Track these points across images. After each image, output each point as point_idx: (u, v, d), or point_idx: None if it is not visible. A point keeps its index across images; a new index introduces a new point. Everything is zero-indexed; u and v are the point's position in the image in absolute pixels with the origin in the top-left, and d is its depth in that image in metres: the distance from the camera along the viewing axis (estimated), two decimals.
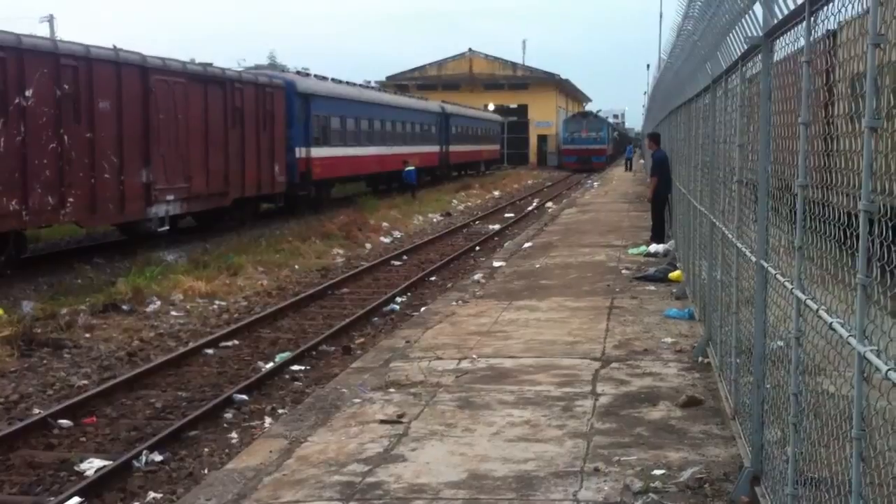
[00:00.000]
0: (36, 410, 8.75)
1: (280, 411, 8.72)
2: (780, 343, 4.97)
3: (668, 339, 9.56)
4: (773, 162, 5.17)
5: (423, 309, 12.85)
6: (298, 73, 32.08)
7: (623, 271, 14.58)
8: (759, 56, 5.39)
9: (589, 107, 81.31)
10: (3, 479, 7.10)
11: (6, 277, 15.58)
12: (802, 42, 4.18)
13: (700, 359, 8.60)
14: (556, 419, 6.89)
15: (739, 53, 6.31)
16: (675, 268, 13.95)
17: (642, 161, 52.32)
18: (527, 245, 18.98)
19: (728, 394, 6.96)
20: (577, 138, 67.80)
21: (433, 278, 17.23)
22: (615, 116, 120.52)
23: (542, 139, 78.07)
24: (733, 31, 6.54)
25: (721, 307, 7.49)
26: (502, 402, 7.35)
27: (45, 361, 10.66)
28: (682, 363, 8.58)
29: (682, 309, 11.03)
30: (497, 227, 27.12)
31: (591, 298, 12.20)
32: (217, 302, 14.49)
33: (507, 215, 31.47)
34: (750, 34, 5.68)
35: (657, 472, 5.74)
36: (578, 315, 11.04)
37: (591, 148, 67.76)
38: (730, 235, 6.78)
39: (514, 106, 77.44)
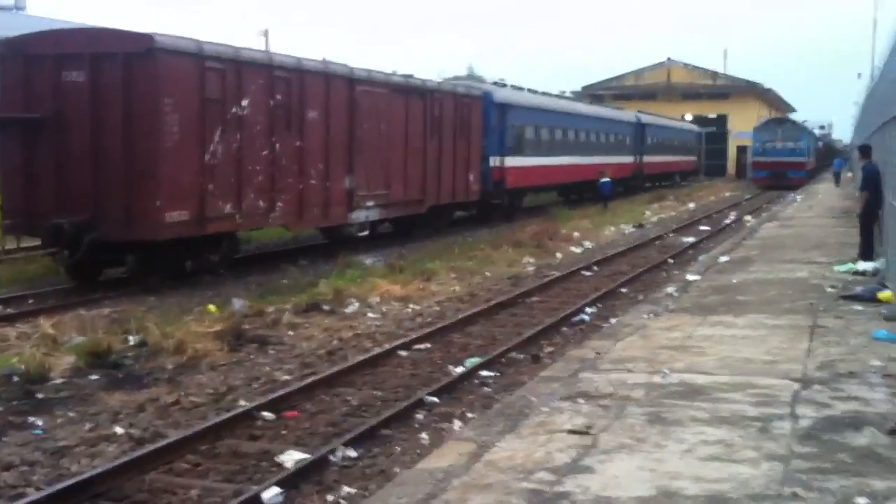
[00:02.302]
0: (242, 402, 9.28)
1: (469, 415, 8.86)
2: None
3: (876, 363, 9.01)
4: None
5: (613, 321, 12.71)
6: (495, 83, 32.52)
7: (827, 289, 13.86)
8: None
9: (793, 117, 75.85)
10: (209, 466, 7.55)
11: (219, 276, 16.63)
12: None
13: None
14: (751, 440, 6.65)
15: None
16: (886, 287, 13.13)
17: (850, 174, 49.39)
18: (723, 259, 18.39)
19: None
20: (771, 149, 56.15)
21: (624, 290, 17.00)
22: (821, 127, 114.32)
23: (742, 150, 75.11)
24: None
25: None
26: (695, 420, 7.16)
27: (251, 356, 11.30)
28: (892, 388, 8.07)
29: (893, 331, 10.38)
30: (692, 239, 26.42)
31: (791, 316, 11.68)
32: (411, 305, 14.89)
33: (702, 228, 30.59)
34: None
35: (860, 500, 5.44)
36: (777, 333, 10.60)
37: (786, 161, 55.76)
38: None
39: (712, 116, 75.29)
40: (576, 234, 26.00)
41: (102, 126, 15.22)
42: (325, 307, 14.13)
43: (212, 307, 13.60)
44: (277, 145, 17.89)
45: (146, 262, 15.99)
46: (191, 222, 15.73)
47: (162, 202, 15.12)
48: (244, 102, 16.96)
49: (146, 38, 15.11)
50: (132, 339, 11.58)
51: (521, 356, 11.53)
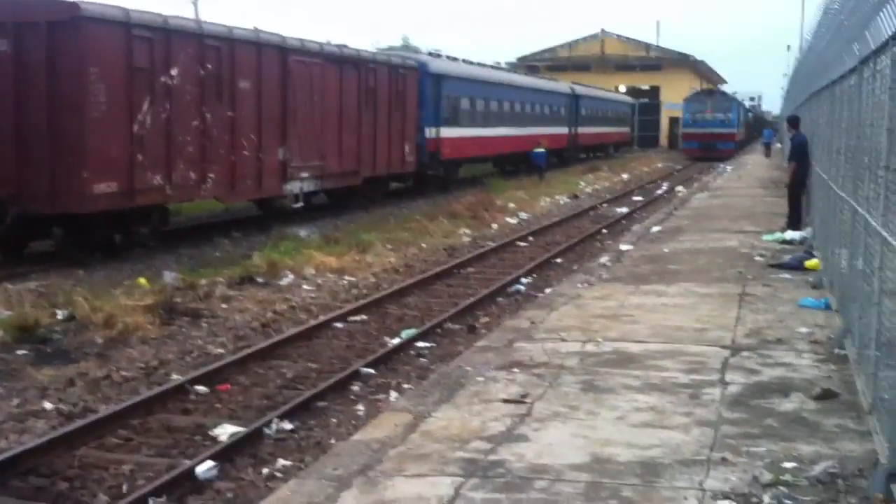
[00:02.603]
0: (174, 376, 9.15)
1: (405, 386, 8.86)
2: None
3: (803, 329, 9.24)
4: None
5: (548, 291, 12.81)
6: (430, 54, 32.37)
7: (756, 258, 14.16)
8: None
9: (724, 89, 76.69)
10: (141, 441, 7.45)
11: (150, 249, 16.33)
12: None
13: (836, 350, 8.28)
14: (682, 406, 6.77)
15: (891, 32, 6.01)
16: (812, 256, 13.46)
17: (779, 145, 50.26)
18: (655, 229, 18.64)
19: (865, 387, 6.69)
20: (700, 120, 55.79)
21: (559, 260, 17.14)
22: (752, 99, 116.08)
23: (674, 121, 75.88)
24: (884, 9, 6.22)
25: (861, 297, 7.19)
26: (627, 387, 7.26)
27: (183, 330, 11.14)
28: (817, 354, 8.29)
29: (819, 299, 10.64)
30: (625, 210, 26.74)
31: (721, 285, 11.91)
32: (347, 277, 14.81)
33: (635, 199, 30.98)
34: None
35: (788, 464, 5.57)
36: (708, 301, 10.79)
37: (716, 132, 55.50)
38: (874, 223, 6.49)
39: (645, 87, 76.00)
40: (511, 205, 26.10)
41: (27, 97, 14.74)
42: (259, 280, 13.97)
43: (142, 280, 13.35)
44: (208, 116, 17.58)
45: (74, 235, 15.62)
46: (119, 194, 15.40)
47: (89, 174, 14.75)
48: (173, 72, 16.60)
49: (71, 6, 14.65)
50: (60, 314, 11.32)
51: (457, 327, 11.56)
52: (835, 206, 10.37)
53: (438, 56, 32.33)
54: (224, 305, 12.43)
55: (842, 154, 9.93)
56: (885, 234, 5.96)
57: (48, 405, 8.20)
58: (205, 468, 6.64)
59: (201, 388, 8.67)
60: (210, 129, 17.63)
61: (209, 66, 17.57)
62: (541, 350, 8.45)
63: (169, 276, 13.62)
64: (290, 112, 20.35)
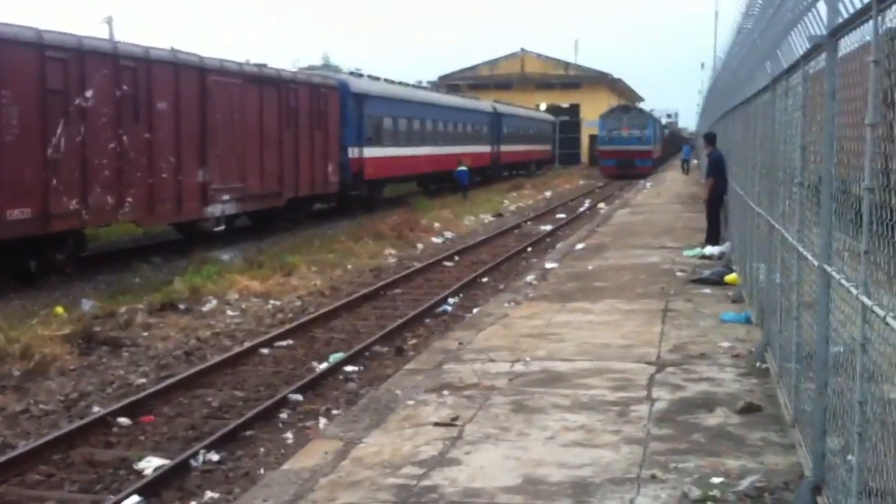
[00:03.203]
0: (95, 408, 8.90)
1: (334, 412, 8.76)
2: (842, 349, 4.86)
3: (725, 344, 9.42)
4: (836, 164, 5.06)
5: (475, 310, 12.83)
6: (352, 73, 32.29)
7: (678, 274, 14.42)
8: (823, 55, 5.28)
9: (641, 106, 78.02)
10: (63, 476, 7.22)
11: (66, 276, 15.91)
12: (869, 40, 4.08)
13: (758, 364, 8.45)
14: (611, 424, 6.82)
15: (802, 52, 6.19)
16: (732, 270, 13.75)
17: (696, 161, 51.37)
18: (579, 246, 18.86)
19: (787, 400, 6.84)
20: (617, 137, 54.81)
21: (485, 279, 17.20)
22: (668, 116, 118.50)
23: (594, 139, 77.14)
24: (795, 29, 6.41)
25: (780, 311, 7.36)
26: (557, 406, 7.30)
27: (104, 360, 10.85)
28: (740, 368, 8.45)
29: (739, 312, 10.87)
30: (549, 227, 27.00)
31: (645, 301, 12.08)
32: (272, 301, 14.62)
33: (558, 216, 31.31)
34: (813, 32, 5.57)
35: (715, 479, 5.65)
36: (632, 318, 10.93)
37: (633, 149, 54.51)
38: (790, 238, 6.65)
39: (566, 105, 77.08)
40: (436, 224, 26.14)
41: None
42: (182, 306, 13.70)
43: (59, 309, 12.97)
44: (125, 138, 17.25)
45: None
46: (33, 220, 14.98)
47: (1, 199, 14.33)
48: (88, 94, 16.25)
49: None
50: None
51: (385, 349, 11.49)
52: (752, 222, 10.61)
53: (360, 75, 32.28)
54: (145, 333, 12.14)
55: (757, 170, 10.17)
56: (800, 248, 6.10)
57: None
58: (130, 503, 6.45)
59: (124, 420, 8.44)
60: (127, 151, 17.29)
61: (125, 87, 17.25)
62: (470, 371, 8.45)
63: (87, 304, 13.27)
64: (209, 133, 20.08)
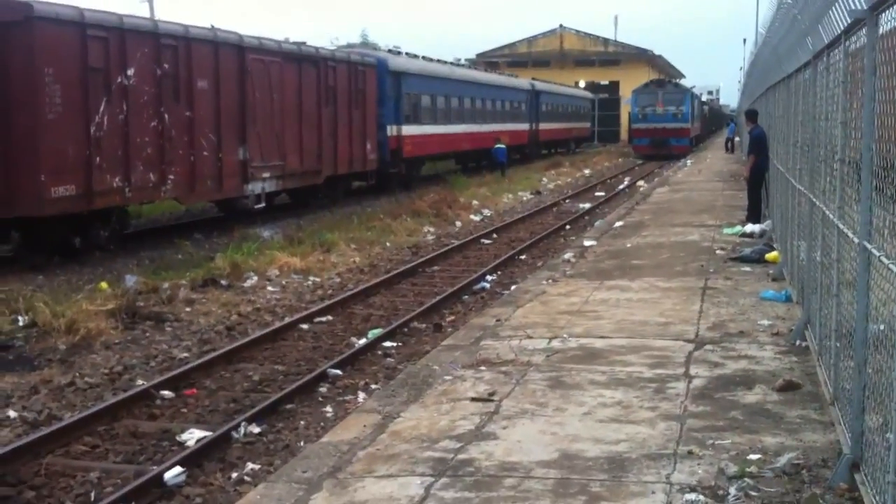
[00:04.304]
0: (139, 382, 9.07)
1: (373, 387, 8.86)
2: (882, 327, 4.84)
3: (765, 322, 9.37)
4: (877, 140, 5.02)
5: (513, 287, 12.86)
6: (390, 51, 32.28)
7: (717, 252, 14.32)
8: (864, 30, 5.22)
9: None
10: (107, 447, 7.38)
11: (110, 252, 16.16)
12: None
13: (798, 342, 8.40)
14: (648, 401, 6.84)
15: (842, 28, 6.11)
16: (772, 248, 13.64)
17: (737, 139, 50.54)
18: (618, 224, 18.79)
19: (827, 378, 6.80)
20: (651, 115, 50.14)
21: (523, 257, 17.21)
22: (709, 93, 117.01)
23: None
24: (836, 4, 6.33)
25: (820, 289, 7.31)
26: (593, 383, 7.32)
27: (147, 334, 11.04)
28: (779, 346, 8.41)
29: (779, 291, 10.79)
30: (587, 205, 26.90)
31: (683, 279, 12.03)
32: (311, 278, 14.76)
33: (597, 194, 31.17)
34: (853, 7, 5.50)
35: (753, 456, 5.66)
36: (671, 296, 10.90)
37: (668, 127, 49.82)
38: (831, 216, 6.60)
39: (605, 83, 76.43)
40: (474, 202, 26.15)
41: None
42: (223, 282, 13.88)
43: (104, 284, 13.21)
44: (166, 116, 17.42)
45: (32, 239, 15.40)
46: (77, 197, 15.21)
47: (45, 177, 14.55)
48: (130, 72, 16.42)
49: (25, 6, 14.43)
50: (21, 320, 11.16)
51: (423, 326, 11.57)
52: (793, 199, 10.51)
53: (398, 53, 32.26)
54: (187, 309, 12.33)
55: (798, 147, 10.06)
56: (841, 225, 6.06)
57: (12, 413, 8.09)
58: (173, 474, 6.59)
59: (167, 393, 8.60)
60: (168, 129, 17.47)
61: (166, 66, 17.40)
62: (507, 347, 8.49)
63: (130, 280, 13.48)
64: (249, 111, 20.22)
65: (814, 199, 7.98)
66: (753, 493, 5.13)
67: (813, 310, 7.99)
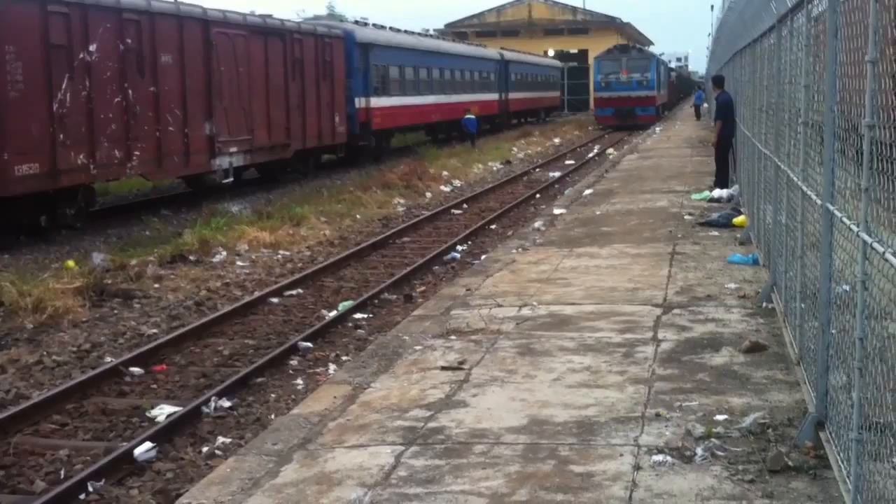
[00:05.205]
0: (108, 359, 9.02)
1: (344, 358, 8.86)
2: (846, 287, 4.89)
3: (732, 285, 9.45)
4: (839, 102, 5.05)
5: (483, 257, 12.88)
6: (357, 22, 31.99)
7: (685, 217, 14.41)
8: None
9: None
10: (77, 425, 7.35)
11: (76, 230, 15.99)
12: None
13: (764, 304, 8.49)
14: (617, 365, 6.89)
15: None
16: (740, 213, 13.74)
17: (706, 105, 50.66)
18: (587, 192, 18.84)
19: (793, 339, 6.89)
20: (615, 83, 47.38)
21: (493, 226, 17.23)
22: (678, 59, 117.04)
23: None
24: None
25: (786, 252, 7.38)
26: (563, 349, 7.36)
27: (115, 311, 10.96)
28: (746, 309, 8.49)
29: (746, 254, 10.89)
30: (557, 174, 26.94)
31: (652, 245, 12.10)
32: (281, 252, 14.69)
33: (567, 163, 31.21)
34: None
35: (719, 417, 5.72)
36: (640, 262, 10.96)
37: (633, 95, 47.31)
38: (795, 178, 6.65)
39: (574, 51, 76.31)
40: (445, 173, 26.10)
41: None
42: (191, 257, 13.78)
43: (70, 263, 13.07)
44: (130, 92, 17.19)
45: None
46: (42, 175, 15.00)
47: (10, 155, 14.33)
48: (92, 48, 16.17)
49: None
50: None
51: (394, 297, 11.57)
52: (759, 163, 10.58)
53: (365, 24, 31.99)
54: (156, 285, 12.24)
55: (764, 111, 10.12)
56: (804, 188, 6.10)
57: None
58: (143, 449, 6.57)
59: (136, 370, 8.56)
60: (133, 105, 17.25)
61: (129, 41, 17.16)
62: (477, 316, 8.51)
63: (98, 258, 13.35)
64: (215, 86, 19.99)
65: (779, 163, 8.04)
66: (720, 453, 5.19)
67: (779, 272, 8.07)
